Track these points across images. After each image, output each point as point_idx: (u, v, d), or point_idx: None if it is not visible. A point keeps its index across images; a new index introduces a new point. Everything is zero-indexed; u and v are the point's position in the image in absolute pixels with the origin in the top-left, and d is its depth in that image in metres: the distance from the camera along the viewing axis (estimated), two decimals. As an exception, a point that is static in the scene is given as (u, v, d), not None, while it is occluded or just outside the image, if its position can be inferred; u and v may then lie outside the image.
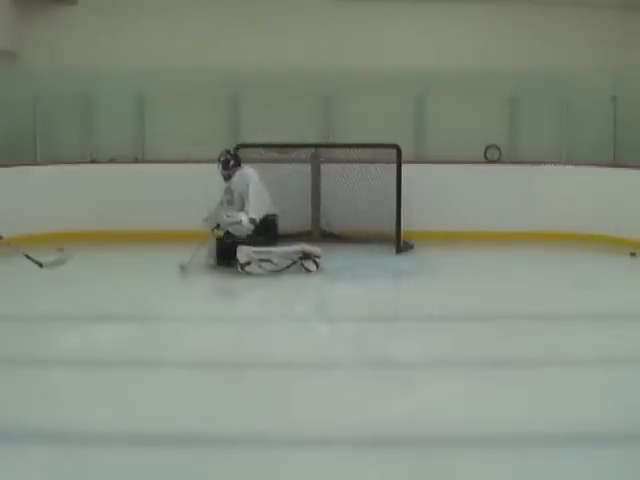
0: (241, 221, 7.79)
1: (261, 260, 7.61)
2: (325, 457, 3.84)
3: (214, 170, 8.14)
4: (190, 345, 5.49)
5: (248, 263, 7.59)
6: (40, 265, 6.80)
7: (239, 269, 7.58)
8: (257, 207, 7.89)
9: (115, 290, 7.03)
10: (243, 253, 7.60)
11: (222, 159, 8.09)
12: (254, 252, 7.63)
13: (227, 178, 8.09)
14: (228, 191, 8.15)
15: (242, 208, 7.96)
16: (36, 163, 9.44)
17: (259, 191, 7.98)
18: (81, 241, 8.79)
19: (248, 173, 8.09)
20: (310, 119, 9.91)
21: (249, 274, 7.56)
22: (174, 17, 10.34)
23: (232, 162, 8.11)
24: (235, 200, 8.07)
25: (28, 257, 6.79)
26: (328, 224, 9.15)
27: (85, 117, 9.89)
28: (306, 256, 7.68)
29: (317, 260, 7.69)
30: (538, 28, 10.47)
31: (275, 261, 7.63)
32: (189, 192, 9.01)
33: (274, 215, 8.13)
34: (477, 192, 9.34)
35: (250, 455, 3.84)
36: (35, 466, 3.70)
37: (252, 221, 7.82)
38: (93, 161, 9.68)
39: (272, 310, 6.47)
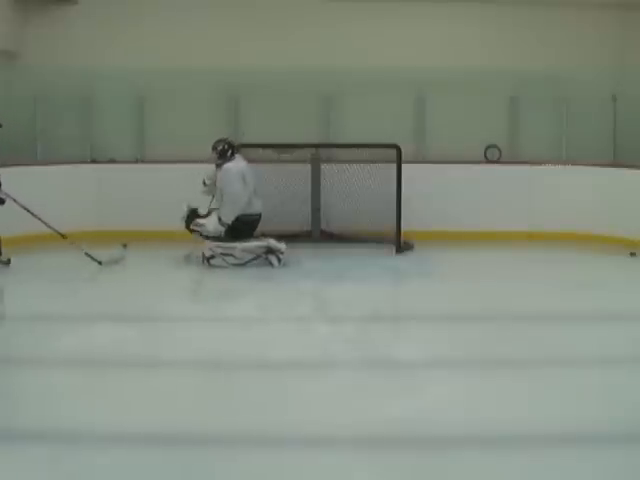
0: (208, 231, 8.03)
1: (224, 254, 7.94)
2: (325, 457, 3.84)
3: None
4: (190, 345, 5.50)
5: (212, 257, 7.96)
6: (100, 263, 7.54)
7: (204, 262, 7.98)
8: (230, 210, 8.03)
9: (115, 290, 7.03)
10: (207, 247, 8.00)
11: (219, 148, 8.18)
12: (216, 246, 7.96)
13: (218, 167, 8.20)
14: (214, 181, 8.27)
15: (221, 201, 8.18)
16: (36, 163, 9.43)
17: (233, 194, 8.04)
18: (81, 241, 8.78)
19: (226, 172, 8.13)
20: (310, 119, 9.90)
21: (214, 267, 7.91)
22: (174, 17, 10.34)
23: (229, 153, 8.19)
24: (218, 192, 8.21)
25: (88, 255, 7.54)
26: (328, 224, 9.15)
27: (85, 117, 9.89)
28: (270, 251, 7.95)
29: (280, 256, 7.94)
30: (538, 28, 10.46)
31: (237, 255, 7.93)
32: (189, 192, 9.01)
33: (252, 215, 8.16)
34: (477, 192, 9.33)
35: (249, 455, 3.85)
36: (35, 466, 3.70)
37: (223, 224, 8.02)
38: (93, 161, 9.68)
39: (272, 310, 6.47)
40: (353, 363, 5.15)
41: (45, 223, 7.67)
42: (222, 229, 8.01)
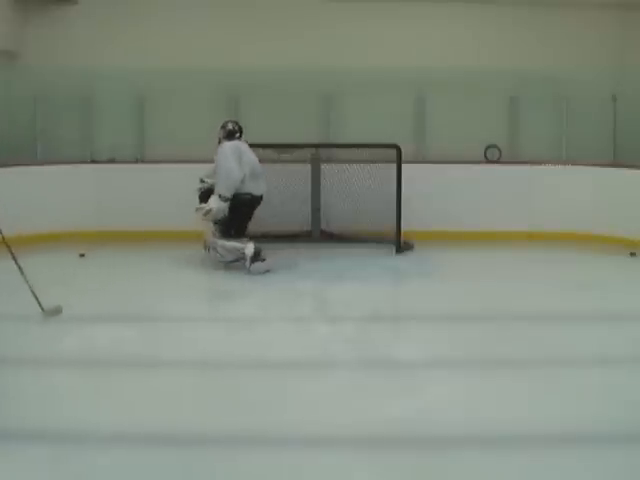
0: (211, 210, 7.75)
1: (214, 247, 7.86)
2: (325, 457, 3.84)
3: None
4: (190, 345, 5.50)
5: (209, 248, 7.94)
6: (42, 310, 6.30)
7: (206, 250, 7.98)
8: (223, 183, 7.75)
9: (115, 290, 7.03)
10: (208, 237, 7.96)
11: (228, 127, 8.07)
12: (211, 238, 7.91)
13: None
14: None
15: None
16: (36, 163, 9.43)
17: (225, 169, 7.78)
18: (81, 241, 8.79)
19: (222, 147, 7.95)
20: (310, 119, 9.90)
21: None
22: (174, 17, 10.35)
23: (236, 134, 8.08)
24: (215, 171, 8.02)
25: (34, 296, 6.34)
26: (328, 224, 9.14)
27: (85, 117, 9.89)
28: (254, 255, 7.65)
29: (245, 263, 7.64)
30: (538, 28, 10.48)
31: (220, 252, 7.80)
32: (189, 192, 9.01)
33: (244, 194, 7.86)
34: (477, 192, 9.33)
35: (250, 455, 3.85)
36: (36, 466, 3.71)
37: (223, 198, 7.71)
38: (93, 161, 9.68)
39: (272, 310, 6.46)
40: (353, 363, 5.15)
41: (7, 245, 6.39)
42: (225, 205, 7.71)
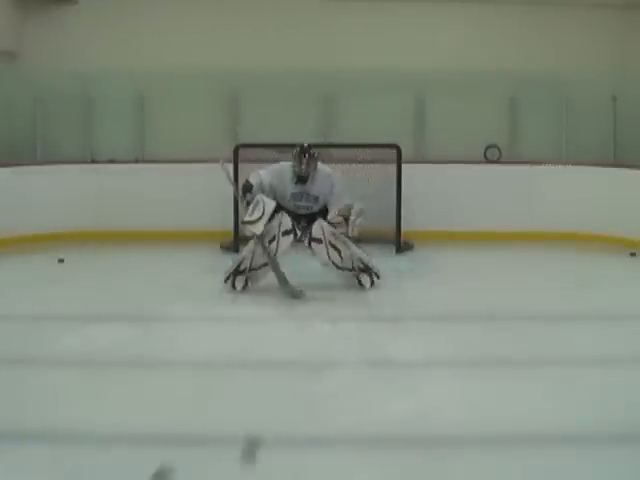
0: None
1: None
2: (325, 457, 3.84)
3: (213, 169, 8.09)
4: (190, 345, 5.49)
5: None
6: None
7: None
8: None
9: (115, 290, 7.03)
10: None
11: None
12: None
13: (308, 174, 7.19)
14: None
15: None
16: (36, 163, 9.43)
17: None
18: (81, 241, 8.79)
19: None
20: (310, 119, 9.90)
21: None
22: (174, 17, 10.34)
23: None
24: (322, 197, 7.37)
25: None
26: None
27: (85, 117, 9.89)
28: None
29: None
30: (538, 28, 10.46)
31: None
32: (189, 192, 9.02)
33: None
34: (477, 192, 9.33)
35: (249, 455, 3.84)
36: (35, 466, 3.70)
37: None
38: (93, 161, 9.67)
39: (272, 310, 6.46)
40: (353, 363, 5.15)
41: None
42: None
